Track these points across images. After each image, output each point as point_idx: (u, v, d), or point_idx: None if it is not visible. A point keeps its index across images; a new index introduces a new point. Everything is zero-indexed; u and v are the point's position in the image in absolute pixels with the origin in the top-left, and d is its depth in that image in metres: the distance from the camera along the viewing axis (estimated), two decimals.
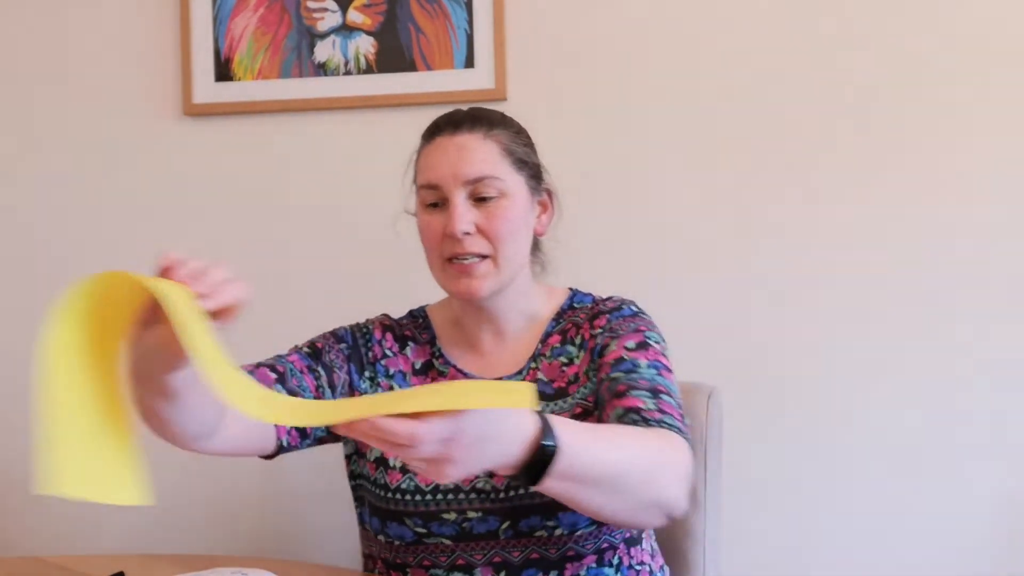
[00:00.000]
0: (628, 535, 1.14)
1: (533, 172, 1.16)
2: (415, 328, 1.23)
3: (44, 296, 1.83)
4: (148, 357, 0.87)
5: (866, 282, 1.60)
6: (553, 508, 1.05)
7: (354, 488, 1.21)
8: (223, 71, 1.69)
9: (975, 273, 1.58)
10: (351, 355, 1.18)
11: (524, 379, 1.16)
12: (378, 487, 1.12)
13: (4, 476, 1.75)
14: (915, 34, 1.59)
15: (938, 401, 1.59)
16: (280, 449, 1.11)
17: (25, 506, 1.75)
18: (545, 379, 1.16)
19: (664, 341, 1.15)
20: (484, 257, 1.10)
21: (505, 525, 1.08)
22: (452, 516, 1.09)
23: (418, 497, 1.09)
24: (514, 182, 1.12)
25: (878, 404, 1.60)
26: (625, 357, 1.09)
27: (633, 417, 1.01)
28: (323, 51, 1.67)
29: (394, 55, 1.66)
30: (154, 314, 0.82)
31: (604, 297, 1.22)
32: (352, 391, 1.17)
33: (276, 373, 1.10)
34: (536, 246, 1.21)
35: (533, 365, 1.17)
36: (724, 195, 1.62)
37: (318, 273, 1.69)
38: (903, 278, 1.59)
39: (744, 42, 1.62)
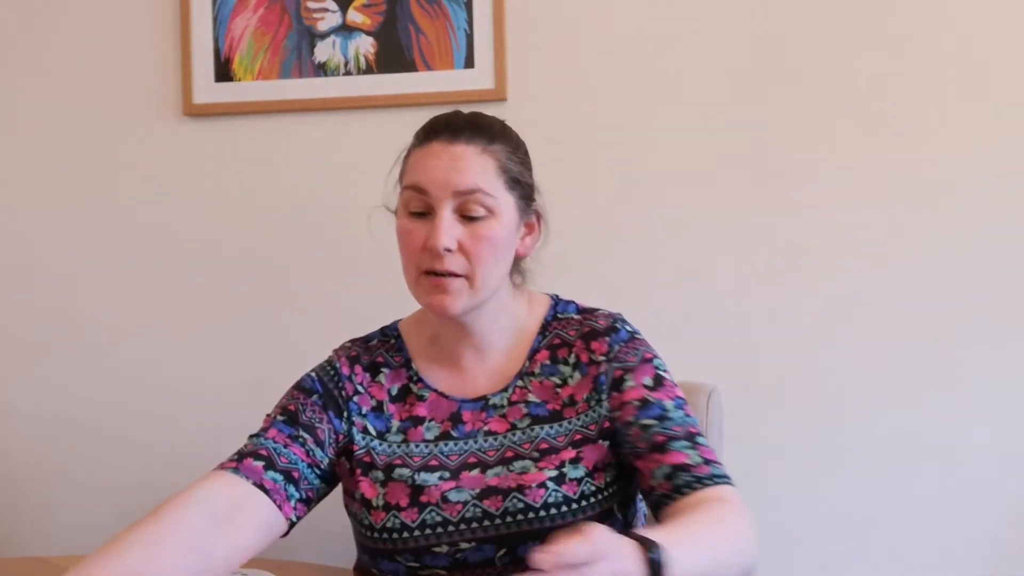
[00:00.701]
0: None
1: (525, 192, 1.12)
2: (387, 351, 1.18)
3: (44, 296, 1.84)
4: None
5: (866, 282, 1.60)
6: (552, 533, 1.04)
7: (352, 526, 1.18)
8: (223, 71, 1.69)
9: (975, 273, 1.58)
10: (325, 403, 1.13)
11: (510, 398, 1.12)
12: (365, 528, 1.09)
13: (4, 476, 1.75)
14: (915, 34, 1.59)
15: (938, 401, 1.59)
16: (293, 525, 1.09)
17: (25, 506, 1.75)
18: (537, 400, 1.11)
19: (660, 357, 1.14)
20: (459, 276, 1.06)
21: (501, 552, 1.06)
22: (444, 548, 1.06)
23: (406, 534, 1.06)
24: (504, 201, 1.08)
25: (878, 404, 1.60)
26: (650, 399, 1.08)
27: (685, 477, 1.01)
28: (323, 51, 1.67)
29: (394, 55, 1.66)
30: None
31: (589, 308, 1.18)
32: (338, 436, 1.12)
33: (262, 460, 1.06)
34: (516, 262, 1.16)
35: (520, 384, 1.13)
36: (724, 194, 1.62)
37: (318, 273, 1.69)
38: (903, 278, 1.59)
39: (744, 42, 1.62)
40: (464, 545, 1.06)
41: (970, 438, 1.58)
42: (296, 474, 1.07)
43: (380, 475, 1.09)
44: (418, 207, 1.08)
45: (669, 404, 1.08)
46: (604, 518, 1.07)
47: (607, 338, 1.12)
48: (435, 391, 1.14)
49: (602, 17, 1.65)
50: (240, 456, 1.08)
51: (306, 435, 1.10)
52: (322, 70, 1.67)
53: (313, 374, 1.17)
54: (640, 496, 1.14)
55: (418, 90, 1.64)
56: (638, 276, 1.63)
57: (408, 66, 1.65)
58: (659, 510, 1.04)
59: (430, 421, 1.12)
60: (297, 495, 1.07)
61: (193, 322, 1.72)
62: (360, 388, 1.15)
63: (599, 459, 1.08)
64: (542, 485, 1.05)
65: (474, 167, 1.06)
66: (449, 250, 1.05)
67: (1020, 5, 1.57)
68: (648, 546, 0.82)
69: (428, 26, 1.65)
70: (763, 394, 1.61)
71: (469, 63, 1.64)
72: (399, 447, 1.11)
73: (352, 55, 1.67)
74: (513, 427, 1.10)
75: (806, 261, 1.61)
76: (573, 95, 1.65)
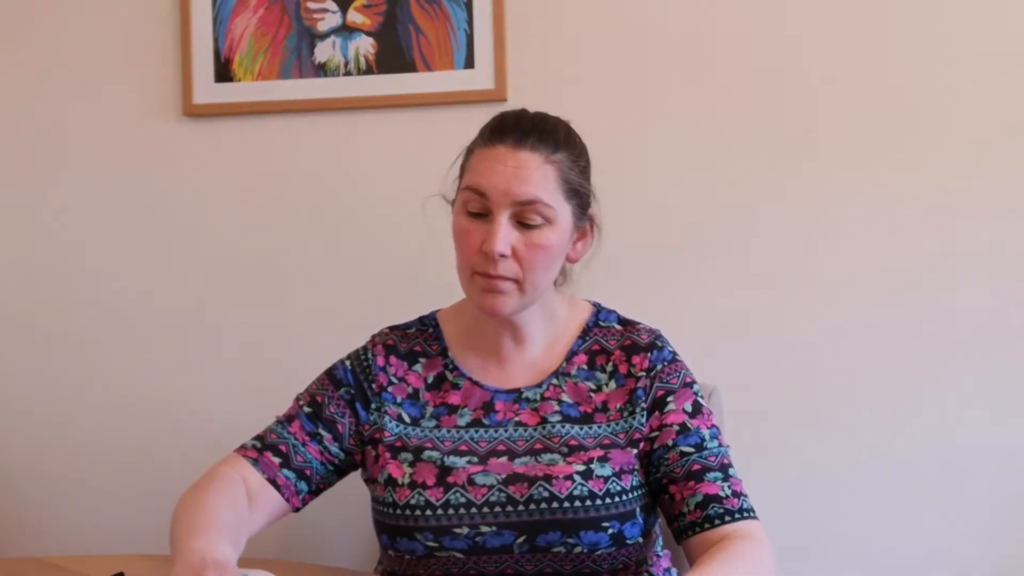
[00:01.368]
0: (644, 556, 1.16)
1: (582, 201, 1.15)
2: (424, 340, 1.21)
3: (44, 296, 1.84)
4: None
5: (866, 282, 1.60)
6: (575, 526, 1.06)
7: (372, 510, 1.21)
8: (223, 72, 1.69)
9: (976, 274, 1.58)
10: (353, 397, 1.18)
11: (544, 393, 1.15)
12: (387, 506, 1.11)
13: (4, 476, 1.75)
14: (915, 34, 1.59)
15: (938, 401, 1.59)
16: (298, 510, 1.18)
17: (25, 506, 1.75)
18: (570, 400, 1.15)
19: (696, 381, 1.17)
20: (510, 280, 1.09)
21: (520, 540, 1.07)
22: (464, 531, 1.08)
23: (428, 512, 1.08)
24: (562, 210, 1.10)
25: (878, 404, 1.60)
26: (689, 426, 1.12)
27: (717, 509, 1.07)
28: (323, 52, 1.67)
29: (394, 55, 1.66)
30: None
31: (630, 320, 1.21)
32: (360, 426, 1.17)
33: (280, 456, 1.15)
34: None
35: (555, 382, 1.16)
36: (725, 195, 1.62)
37: (319, 273, 1.69)
38: (903, 278, 1.59)
39: (745, 42, 1.62)
40: (485, 529, 1.08)
41: (970, 438, 1.58)
42: (309, 472, 1.16)
43: (410, 456, 1.12)
44: (476, 208, 1.10)
45: (706, 433, 1.12)
46: (626, 519, 1.09)
47: (649, 354, 1.16)
48: (470, 379, 1.17)
49: (602, 17, 1.65)
50: (262, 446, 1.17)
51: (325, 432, 1.16)
52: (322, 70, 1.67)
53: (348, 363, 1.21)
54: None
55: (418, 90, 1.64)
56: (638, 276, 1.63)
57: (408, 66, 1.65)
58: (684, 536, 1.09)
59: (463, 408, 1.15)
60: (307, 489, 1.16)
61: (193, 321, 1.72)
62: (394, 379, 1.18)
63: (625, 463, 1.11)
64: (569, 477, 1.08)
65: (536, 177, 1.08)
66: (504, 256, 1.07)
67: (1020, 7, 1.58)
68: None
69: (428, 26, 1.65)
70: (763, 394, 1.61)
71: (469, 63, 1.64)
72: (431, 432, 1.14)
73: (352, 55, 1.67)
74: (544, 421, 1.13)
75: (807, 260, 1.61)
76: (573, 95, 1.65)
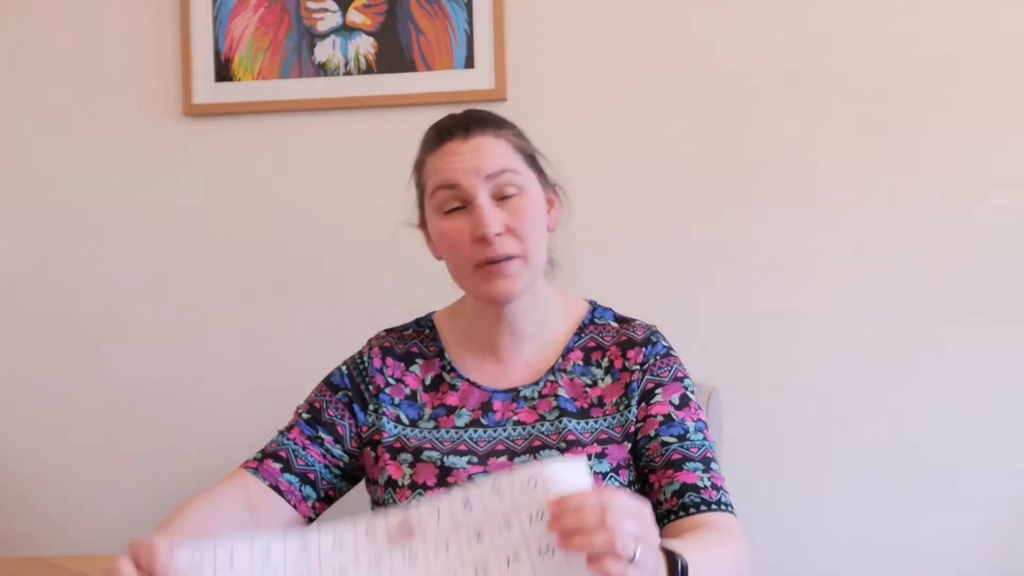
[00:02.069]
0: None
1: (540, 168, 1.17)
2: (421, 341, 1.21)
3: (44, 296, 1.84)
4: None
5: (866, 283, 1.60)
6: None
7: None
8: (223, 71, 1.69)
9: (976, 276, 1.58)
10: (351, 399, 1.17)
11: (541, 391, 1.15)
12: (387, 508, 1.11)
13: (4, 476, 1.75)
14: (916, 33, 1.59)
15: (938, 402, 1.59)
16: (312, 520, 1.16)
17: (25, 506, 1.75)
18: (567, 396, 1.14)
19: (689, 377, 1.17)
20: (516, 257, 1.09)
21: None
22: None
23: None
24: (528, 177, 1.12)
25: (878, 404, 1.60)
26: (673, 417, 1.11)
27: (693, 498, 1.05)
28: (323, 51, 1.67)
29: (394, 55, 1.66)
30: None
31: (627, 318, 1.21)
32: (360, 429, 1.16)
33: (280, 462, 1.14)
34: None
35: (552, 378, 1.15)
36: (724, 195, 1.62)
37: (318, 273, 1.69)
38: (903, 280, 1.60)
39: (744, 42, 1.62)
40: None
41: (971, 439, 1.58)
42: (312, 475, 1.14)
43: (409, 457, 1.12)
44: (453, 203, 1.10)
45: (691, 425, 1.11)
46: None
47: (643, 349, 1.15)
48: (467, 380, 1.17)
49: (602, 17, 1.65)
50: (263, 456, 1.15)
51: (325, 435, 1.16)
52: (322, 70, 1.67)
53: (344, 368, 1.21)
54: None
55: (418, 90, 1.65)
56: (638, 276, 1.63)
57: (408, 66, 1.65)
58: (660, 524, 1.06)
59: (461, 409, 1.15)
60: (315, 495, 1.14)
61: (193, 322, 1.72)
62: (391, 380, 1.18)
63: (622, 459, 1.10)
64: None
65: (495, 151, 1.10)
66: (499, 234, 1.07)
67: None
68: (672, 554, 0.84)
69: (428, 26, 1.65)
70: (763, 394, 1.61)
71: (469, 63, 1.64)
72: (430, 432, 1.14)
73: (352, 55, 1.67)
74: (542, 419, 1.13)
75: (807, 262, 1.61)
76: (573, 95, 1.65)
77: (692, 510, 1.05)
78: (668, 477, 1.07)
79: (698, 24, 1.63)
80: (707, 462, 1.09)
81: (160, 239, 1.73)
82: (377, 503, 1.15)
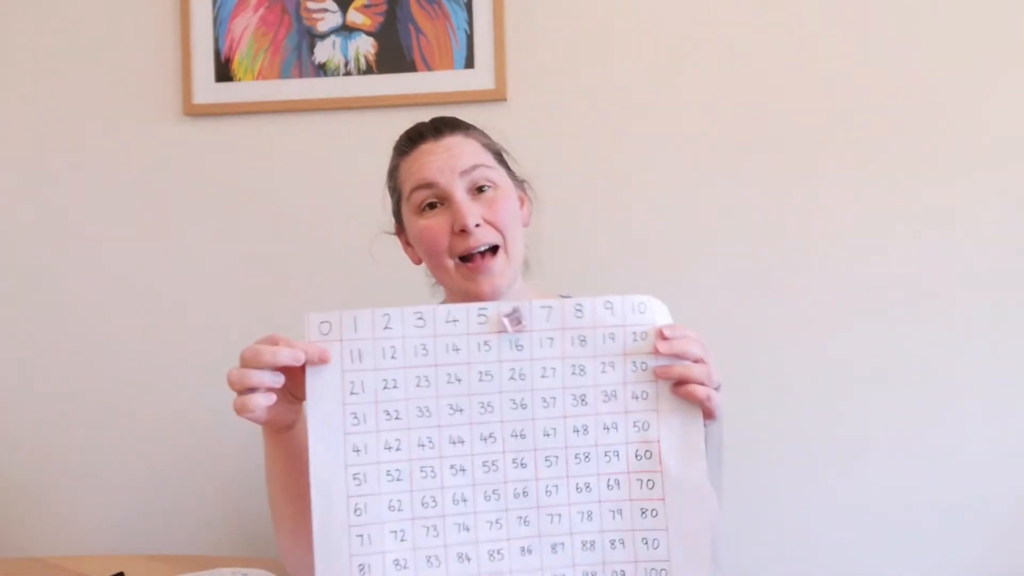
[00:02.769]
0: None
1: (510, 167, 1.19)
2: None
3: (43, 296, 1.84)
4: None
5: (866, 283, 1.60)
6: None
7: None
8: (223, 71, 1.69)
9: (975, 275, 1.58)
10: None
11: None
12: None
13: (4, 476, 1.75)
14: (918, 33, 1.59)
15: (938, 403, 1.59)
16: None
17: (25, 506, 1.75)
18: None
19: None
20: (495, 249, 1.09)
21: None
22: None
23: None
24: (500, 173, 1.14)
25: (878, 405, 1.60)
26: None
27: None
28: (323, 51, 1.67)
29: (394, 55, 1.66)
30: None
31: None
32: None
33: None
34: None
35: None
36: (724, 196, 1.62)
37: (318, 273, 1.69)
38: (903, 279, 1.60)
39: (744, 43, 1.62)
40: None
41: (971, 437, 1.58)
42: None
43: None
44: (430, 200, 1.11)
45: None
46: None
47: None
48: None
49: (602, 17, 1.65)
50: None
51: None
52: (322, 70, 1.67)
53: None
54: None
55: (418, 90, 1.65)
56: (637, 275, 1.63)
57: (408, 66, 1.65)
58: None
59: None
60: None
61: (193, 322, 1.72)
62: None
63: None
64: None
65: (466, 149, 1.13)
66: (478, 225, 1.08)
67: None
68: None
69: (428, 26, 1.65)
70: (763, 394, 1.61)
71: (469, 63, 1.64)
72: None
73: (352, 55, 1.67)
74: None
75: (807, 261, 1.61)
76: (573, 95, 1.65)
77: None
78: None
79: (698, 24, 1.63)
80: None
81: (160, 239, 1.73)
82: None
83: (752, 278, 1.62)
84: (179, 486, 1.71)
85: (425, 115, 1.19)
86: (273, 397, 0.88)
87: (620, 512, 0.88)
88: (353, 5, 1.66)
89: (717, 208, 1.63)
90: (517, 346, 0.87)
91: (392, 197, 1.19)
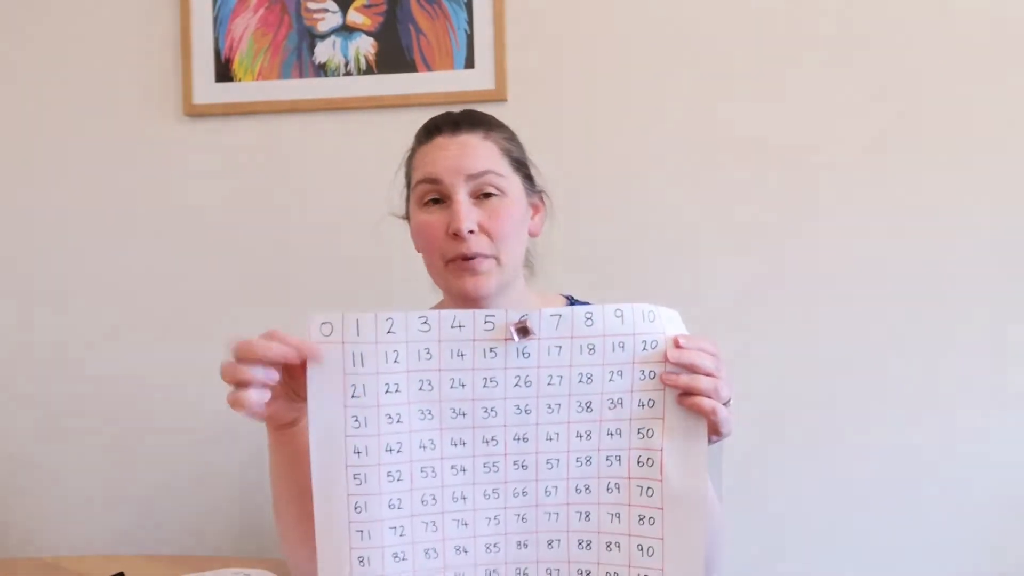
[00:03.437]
0: None
1: (527, 173, 1.17)
2: None
3: (43, 296, 1.84)
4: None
5: (866, 285, 1.60)
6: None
7: None
8: (223, 72, 1.69)
9: (976, 279, 1.58)
10: None
11: None
12: None
13: (4, 476, 1.75)
14: (919, 33, 1.59)
15: (938, 404, 1.59)
16: None
17: (25, 506, 1.75)
18: None
19: None
20: (487, 257, 1.09)
21: None
22: None
23: None
24: (512, 182, 1.12)
25: (878, 407, 1.60)
26: None
27: None
28: (323, 52, 1.67)
29: (394, 56, 1.66)
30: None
31: None
32: None
33: None
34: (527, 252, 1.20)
35: None
36: (724, 197, 1.62)
37: (318, 273, 1.69)
38: (903, 282, 1.59)
39: (744, 42, 1.62)
40: None
41: (971, 441, 1.58)
42: None
43: None
44: (432, 195, 1.11)
45: None
46: None
47: None
48: None
49: (602, 17, 1.65)
50: None
51: None
52: (322, 70, 1.67)
53: None
54: None
55: (418, 90, 1.65)
56: (637, 276, 1.63)
57: (408, 66, 1.65)
58: None
59: None
60: None
61: (193, 322, 1.72)
62: None
63: None
64: None
65: (481, 151, 1.10)
66: (472, 231, 1.07)
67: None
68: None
69: (428, 26, 1.65)
70: (762, 395, 1.61)
71: (469, 63, 1.64)
72: None
73: (352, 55, 1.67)
74: None
75: (807, 262, 1.61)
76: (573, 95, 1.65)
77: None
78: None
79: (699, 24, 1.63)
80: None
81: (160, 239, 1.73)
82: None
83: (752, 277, 1.62)
84: (180, 486, 1.71)
85: (424, 116, 1.18)
86: (268, 394, 0.89)
87: (618, 516, 0.88)
88: (353, 5, 1.66)
89: (717, 208, 1.62)
90: (524, 354, 0.86)
91: (405, 181, 1.18)
